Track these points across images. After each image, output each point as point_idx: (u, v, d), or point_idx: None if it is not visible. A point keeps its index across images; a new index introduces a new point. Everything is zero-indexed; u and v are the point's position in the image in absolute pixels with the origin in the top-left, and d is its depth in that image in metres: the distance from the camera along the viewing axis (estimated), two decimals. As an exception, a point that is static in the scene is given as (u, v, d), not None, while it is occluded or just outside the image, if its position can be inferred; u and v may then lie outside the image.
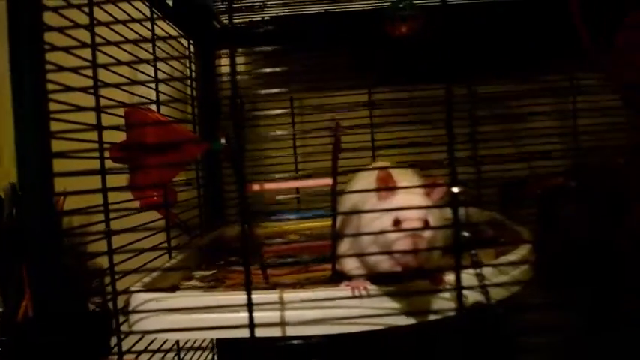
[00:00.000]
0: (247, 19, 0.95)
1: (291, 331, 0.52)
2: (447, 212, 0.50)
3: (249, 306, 0.48)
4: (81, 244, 0.66)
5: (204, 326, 0.51)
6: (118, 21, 0.64)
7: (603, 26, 0.79)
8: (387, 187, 0.52)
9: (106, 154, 0.62)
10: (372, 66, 0.94)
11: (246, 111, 1.02)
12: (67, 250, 0.63)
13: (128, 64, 0.62)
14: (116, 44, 0.61)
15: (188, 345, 0.81)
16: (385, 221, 0.51)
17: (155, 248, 0.69)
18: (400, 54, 0.67)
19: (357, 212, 0.54)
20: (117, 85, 0.62)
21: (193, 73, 0.96)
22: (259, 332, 0.49)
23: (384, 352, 0.62)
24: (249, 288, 0.48)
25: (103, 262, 0.64)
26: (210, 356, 0.92)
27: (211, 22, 0.94)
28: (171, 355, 0.76)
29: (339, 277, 0.61)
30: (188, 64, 0.95)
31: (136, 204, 0.69)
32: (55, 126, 0.53)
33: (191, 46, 0.97)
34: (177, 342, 0.77)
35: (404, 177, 0.55)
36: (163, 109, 0.80)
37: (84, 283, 0.75)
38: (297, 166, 0.98)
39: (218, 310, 0.51)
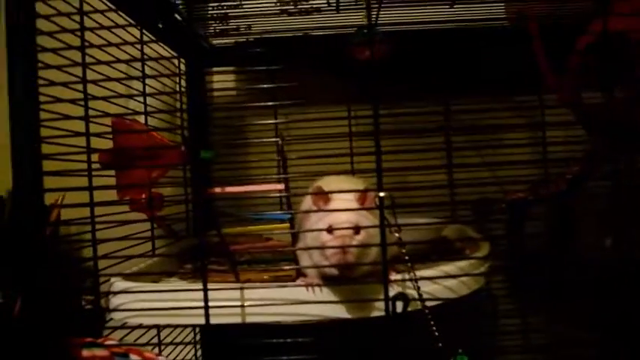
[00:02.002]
0: (234, 41, 1.03)
1: (242, 319, 0.58)
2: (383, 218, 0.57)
3: (205, 293, 0.55)
4: (76, 249, 0.73)
5: (163, 309, 0.58)
6: (109, 44, 0.71)
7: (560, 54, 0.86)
8: (321, 194, 0.61)
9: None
10: (349, 84, 1.01)
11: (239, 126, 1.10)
12: (61, 255, 0.71)
13: (117, 80, 0.69)
14: (106, 63, 0.69)
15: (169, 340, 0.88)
16: (321, 227, 0.59)
17: (141, 255, 0.76)
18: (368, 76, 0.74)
19: (306, 211, 0.61)
20: (105, 98, 0.69)
21: (183, 88, 1.03)
22: (215, 319, 0.56)
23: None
24: (204, 276, 0.54)
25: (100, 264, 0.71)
26: (192, 351, 0.98)
27: (199, 44, 1.02)
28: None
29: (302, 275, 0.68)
30: (178, 80, 1.03)
31: (124, 217, 0.76)
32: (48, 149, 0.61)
33: (181, 64, 1.05)
34: (159, 335, 0.84)
35: (344, 184, 0.63)
36: (153, 121, 0.87)
37: (77, 283, 0.82)
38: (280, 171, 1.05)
39: (177, 298, 0.57)
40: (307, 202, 0.66)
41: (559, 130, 0.93)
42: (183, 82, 1.05)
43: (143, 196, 0.79)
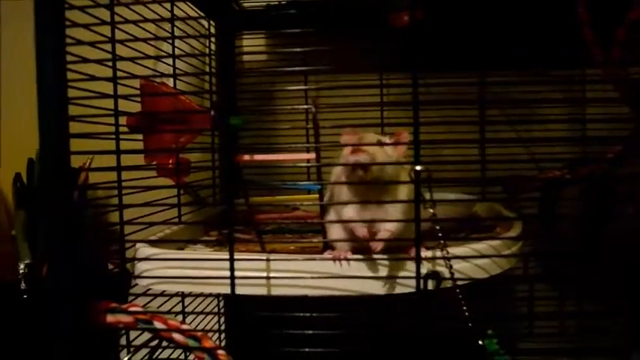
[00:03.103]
0: (265, 3, 1.00)
1: (269, 291, 0.57)
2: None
3: (231, 263, 0.53)
4: (103, 214, 0.72)
5: (188, 277, 0.57)
6: (137, 1, 0.69)
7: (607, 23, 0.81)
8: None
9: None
10: (382, 51, 0.97)
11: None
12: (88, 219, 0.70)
13: (144, 40, 0.68)
14: (134, 22, 0.67)
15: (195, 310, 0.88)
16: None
17: (165, 223, 0.75)
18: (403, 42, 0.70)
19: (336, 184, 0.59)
20: (133, 59, 0.67)
21: (212, 51, 1.01)
22: (240, 290, 0.55)
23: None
24: (231, 246, 0.53)
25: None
26: (215, 320, 0.98)
27: (230, 5, 0.99)
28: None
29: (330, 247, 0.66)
30: (207, 43, 1.00)
31: (151, 182, 0.75)
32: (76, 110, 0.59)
33: (211, 26, 1.02)
34: (183, 303, 0.83)
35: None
36: (181, 85, 0.85)
37: (103, 248, 0.81)
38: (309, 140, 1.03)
39: (203, 266, 0.56)
40: (337, 173, 0.64)
41: (599, 108, 0.89)
42: (212, 46, 1.03)
43: (170, 161, 0.78)
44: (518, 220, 0.82)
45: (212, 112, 0.53)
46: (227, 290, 0.55)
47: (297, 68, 0.66)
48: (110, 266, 0.88)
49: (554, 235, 0.94)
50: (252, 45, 1.09)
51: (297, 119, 1.02)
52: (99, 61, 0.61)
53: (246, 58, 1.11)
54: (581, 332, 0.98)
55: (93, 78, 0.59)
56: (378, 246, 0.57)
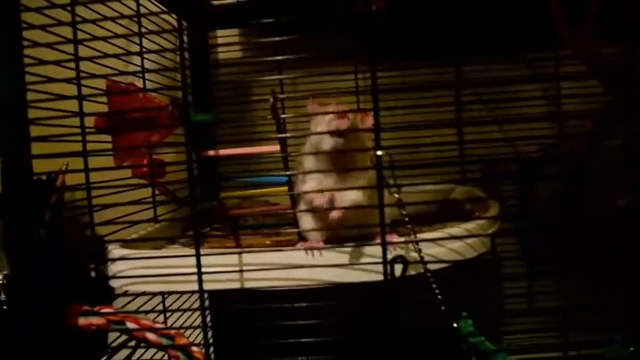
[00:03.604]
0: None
1: (238, 284, 0.57)
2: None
3: (198, 258, 0.53)
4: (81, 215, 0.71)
5: (159, 276, 0.56)
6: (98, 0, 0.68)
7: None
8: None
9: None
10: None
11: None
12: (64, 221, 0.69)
13: (105, 39, 0.66)
14: (95, 22, 0.66)
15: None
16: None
17: (140, 221, 0.74)
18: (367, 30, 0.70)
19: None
20: (92, 59, 0.67)
21: (183, 45, 1.00)
22: (208, 286, 0.55)
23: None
24: (197, 242, 0.53)
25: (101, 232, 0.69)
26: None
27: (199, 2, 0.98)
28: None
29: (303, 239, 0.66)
30: (177, 38, 0.99)
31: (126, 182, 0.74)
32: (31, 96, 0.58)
33: (181, 22, 1.01)
34: (164, 303, 0.83)
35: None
36: (151, 82, 0.84)
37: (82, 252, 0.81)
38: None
39: (171, 266, 0.56)
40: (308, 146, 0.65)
41: (573, 87, 0.89)
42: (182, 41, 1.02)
43: (145, 162, 0.77)
44: (495, 201, 0.82)
45: (170, 108, 0.53)
46: (195, 287, 0.54)
47: (261, 59, 0.65)
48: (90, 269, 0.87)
49: (531, 216, 0.95)
50: (226, 36, 1.09)
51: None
52: (57, 62, 0.60)
53: (220, 49, 1.11)
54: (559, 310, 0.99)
55: (52, 80, 0.58)
56: (336, 214, 0.57)
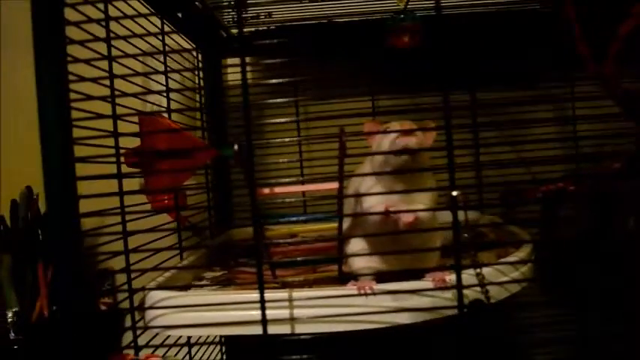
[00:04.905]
0: (253, 29, 0.98)
1: (302, 329, 0.54)
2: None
3: (262, 303, 0.50)
4: (94, 245, 0.68)
5: (218, 323, 0.53)
6: (133, 35, 0.66)
7: (598, 37, 0.82)
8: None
9: (122, 159, 0.65)
10: (375, 74, 0.97)
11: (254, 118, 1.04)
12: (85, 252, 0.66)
13: (143, 74, 0.65)
14: (132, 56, 0.65)
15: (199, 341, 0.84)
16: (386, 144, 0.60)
17: (169, 248, 0.72)
18: (402, 63, 0.70)
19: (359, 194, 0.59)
20: (133, 95, 0.65)
21: (202, 82, 0.98)
22: (271, 329, 0.52)
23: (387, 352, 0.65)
24: (261, 286, 0.50)
25: (114, 263, 0.66)
26: (218, 350, 0.94)
27: (218, 32, 0.97)
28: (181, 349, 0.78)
29: (345, 278, 0.64)
30: (197, 75, 0.98)
31: (149, 206, 0.72)
32: (76, 133, 0.56)
33: (199, 57, 1.00)
34: (188, 338, 0.79)
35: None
36: (174, 117, 0.82)
37: (96, 284, 0.77)
38: (303, 171, 1.01)
39: (231, 308, 0.53)
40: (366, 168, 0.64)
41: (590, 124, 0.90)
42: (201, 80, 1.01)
43: (166, 197, 0.75)
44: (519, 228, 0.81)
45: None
46: (259, 331, 0.52)
47: (281, 100, 0.62)
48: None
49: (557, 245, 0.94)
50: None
51: (289, 152, 1.01)
52: (101, 98, 0.58)
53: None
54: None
55: (99, 116, 0.56)
56: (407, 218, 0.56)
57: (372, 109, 0.99)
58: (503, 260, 0.62)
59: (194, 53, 0.97)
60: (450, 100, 0.51)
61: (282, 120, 0.90)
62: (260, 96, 0.98)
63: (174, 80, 0.85)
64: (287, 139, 0.56)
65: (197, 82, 0.98)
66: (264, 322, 0.51)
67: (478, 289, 0.54)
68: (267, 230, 0.75)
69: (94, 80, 0.59)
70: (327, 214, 0.63)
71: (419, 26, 0.77)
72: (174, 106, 0.85)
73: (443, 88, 0.47)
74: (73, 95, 0.55)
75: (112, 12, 0.64)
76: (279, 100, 0.60)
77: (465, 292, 0.54)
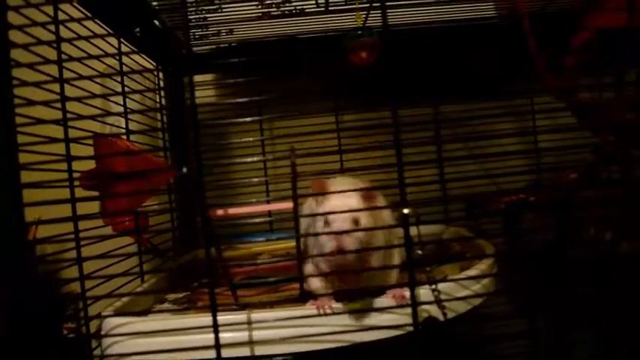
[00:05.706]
0: (214, 46, 0.97)
1: (258, 351, 0.53)
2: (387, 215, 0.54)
3: (215, 327, 0.50)
4: (54, 271, 0.66)
5: (172, 348, 0.52)
6: (88, 56, 0.66)
7: (553, 51, 0.83)
8: (320, 192, 0.57)
9: (76, 182, 0.63)
10: (337, 91, 0.97)
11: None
12: (39, 277, 0.64)
13: (100, 96, 0.64)
14: (85, 78, 0.63)
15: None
16: (319, 225, 0.55)
17: (127, 273, 0.70)
18: (361, 80, 0.70)
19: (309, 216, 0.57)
20: (89, 117, 0.64)
21: (164, 102, 0.97)
22: (225, 353, 0.51)
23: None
24: (214, 309, 0.49)
25: (77, 287, 0.65)
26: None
27: (178, 50, 0.96)
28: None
29: (307, 297, 0.63)
30: (159, 94, 0.97)
31: (107, 230, 0.71)
32: (24, 158, 0.54)
33: (160, 77, 0.99)
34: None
35: (342, 183, 0.59)
36: (135, 138, 0.81)
37: (58, 309, 0.75)
38: (269, 189, 1.01)
39: (185, 333, 0.52)
40: (307, 223, 0.62)
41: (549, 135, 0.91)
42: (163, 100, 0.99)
43: (127, 219, 0.74)
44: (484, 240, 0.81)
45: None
46: (212, 355, 0.51)
47: (245, 120, 0.61)
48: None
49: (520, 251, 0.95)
50: (204, 89, 1.06)
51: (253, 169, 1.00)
52: (53, 122, 0.57)
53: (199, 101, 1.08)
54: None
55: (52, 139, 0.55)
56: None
57: (337, 125, 0.99)
58: (463, 275, 0.62)
59: (155, 73, 0.96)
60: (403, 115, 0.51)
61: (245, 139, 0.90)
62: (227, 113, 0.98)
63: (134, 101, 0.84)
64: (249, 160, 0.55)
65: (159, 101, 0.97)
66: (217, 346, 0.50)
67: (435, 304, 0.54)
68: (232, 249, 0.74)
69: (45, 103, 0.58)
70: (289, 232, 0.62)
71: (376, 42, 0.77)
72: (134, 126, 0.84)
73: (392, 104, 0.47)
74: (21, 120, 0.54)
75: (66, 33, 0.63)
76: (240, 120, 0.59)
77: (426, 307, 0.54)
